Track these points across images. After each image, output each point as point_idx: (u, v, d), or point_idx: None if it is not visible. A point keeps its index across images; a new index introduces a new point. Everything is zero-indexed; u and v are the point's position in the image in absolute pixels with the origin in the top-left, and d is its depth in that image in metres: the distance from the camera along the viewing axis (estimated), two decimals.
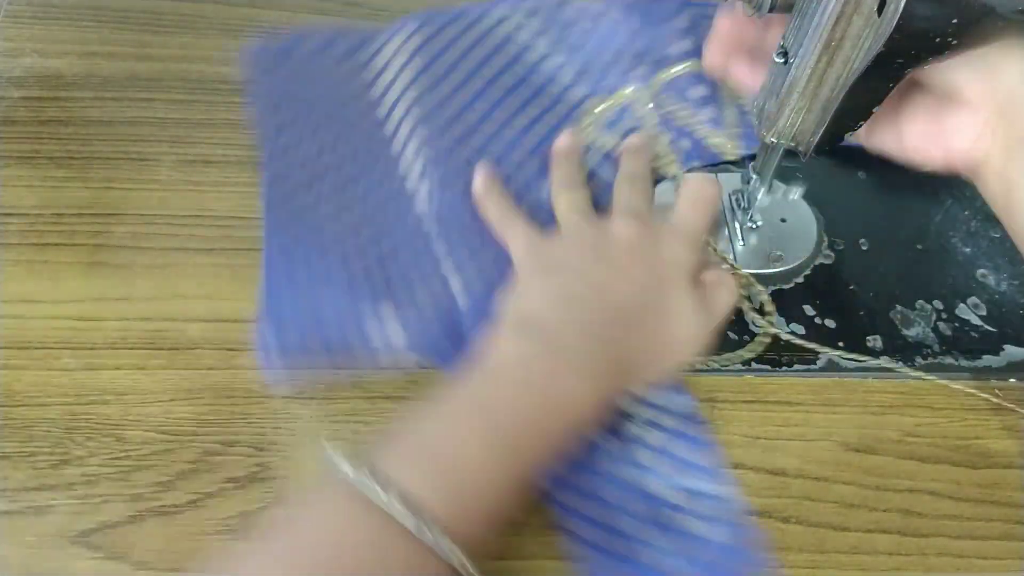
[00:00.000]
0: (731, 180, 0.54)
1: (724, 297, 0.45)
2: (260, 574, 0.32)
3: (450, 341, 0.44)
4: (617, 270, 0.43)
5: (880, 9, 0.37)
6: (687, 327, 0.43)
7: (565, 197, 0.48)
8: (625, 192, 0.48)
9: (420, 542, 0.33)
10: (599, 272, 0.43)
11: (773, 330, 0.47)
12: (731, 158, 0.54)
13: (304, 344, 0.44)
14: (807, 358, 0.47)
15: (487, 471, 0.35)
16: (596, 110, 0.53)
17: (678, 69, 0.55)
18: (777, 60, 0.43)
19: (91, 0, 0.59)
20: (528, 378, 0.38)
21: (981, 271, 0.52)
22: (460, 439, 0.36)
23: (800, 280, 0.51)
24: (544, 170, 0.50)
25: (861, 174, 0.56)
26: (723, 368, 0.46)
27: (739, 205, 0.52)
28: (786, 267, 0.51)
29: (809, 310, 0.50)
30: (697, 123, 0.54)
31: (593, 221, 0.46)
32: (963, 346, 0.48)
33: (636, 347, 0.41)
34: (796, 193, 0.52)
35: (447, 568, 0.33)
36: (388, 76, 0.54)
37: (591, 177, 0.51)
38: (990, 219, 0.54)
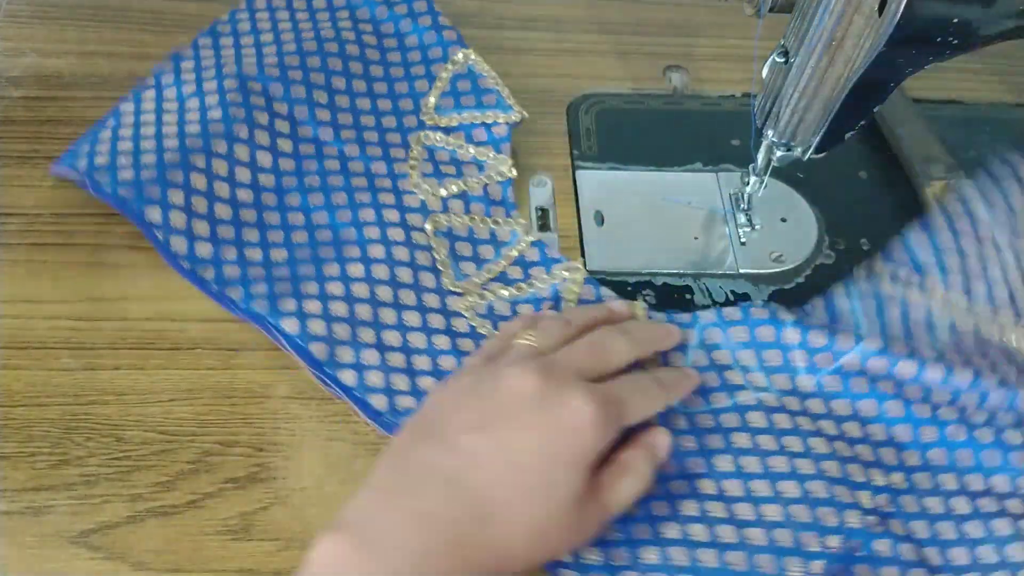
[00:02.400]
0: (731, 180, 0.55)
1: (627, 489, 0.38)
2: None
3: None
4: (491, 440, 0.36)
5: (881, 9, 0.37)
6: (567, 520, 0.36)
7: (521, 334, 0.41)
8: (550, 330, 0.42)
9: None
10: (466, 441, 0.36)
11: None
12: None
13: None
14: None
15: None
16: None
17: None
18: (778, 60, 0.44)
19: (91, 0, 0.59)
20: None
21: None
22: None
23: (801, 280, 0.51)
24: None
25: (862, 174, 0.56)
26: None
27: (739, 206, 0.52)
28: (786, 267, 0.51)
29: None
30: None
31: (494, 369, 0.39)
32: None
33: (498, 537, 0.35)
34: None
35: None
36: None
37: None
38: None
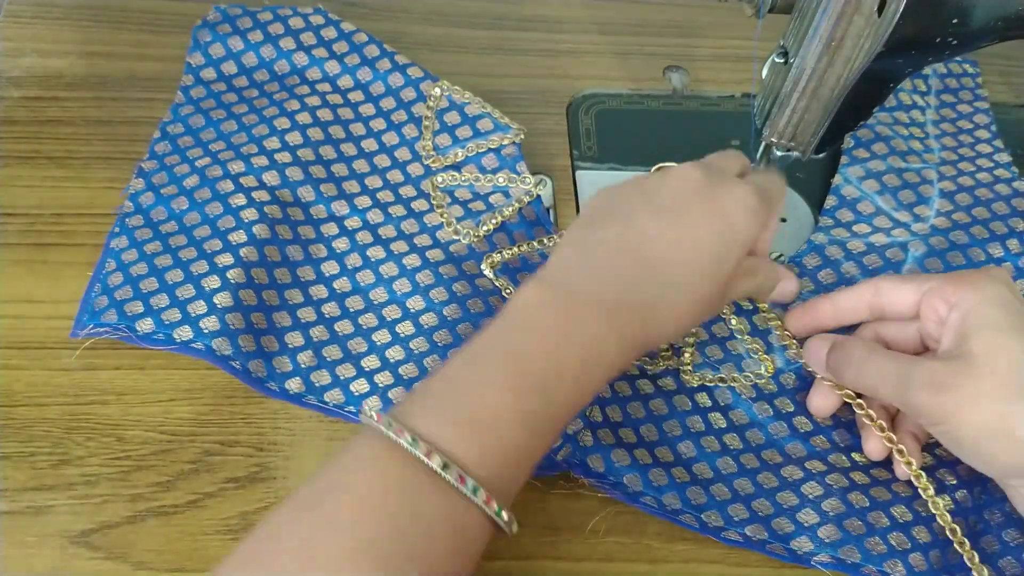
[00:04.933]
0: None
1: (747, 285, 0.44)
2: (310, 535, 0.32)
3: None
4: (664, 220, 0.40)
5: (880, 9, 0.37)
6: (721, 292, 0.41)
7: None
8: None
9: (452, 488, 0.33)
10: (643, 221, 0.40)
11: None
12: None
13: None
14: None
15: (513, 418, 0.35)
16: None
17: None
18: (777, 60, 0.44)
19: (91, 0, 0.59)
20: (545, 321, 0.37)
21: None
22: (485, 387, 0.35)
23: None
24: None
25: None
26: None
27: None
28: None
29: None
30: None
31: (666, 172, 0.43)
32: None
33: (671, 302, 0.40)
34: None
35: (480, 513, 0.33)
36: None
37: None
38: None
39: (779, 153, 0.46)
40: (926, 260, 0.49)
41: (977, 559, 0.40)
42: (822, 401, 0.44)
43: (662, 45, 0.61)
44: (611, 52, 0.61)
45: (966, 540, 0.40)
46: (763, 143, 0.47)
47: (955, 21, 0.37)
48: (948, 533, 0.41)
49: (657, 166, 0.45)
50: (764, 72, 0.45)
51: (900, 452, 0.42)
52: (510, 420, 0.35)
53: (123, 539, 0.40)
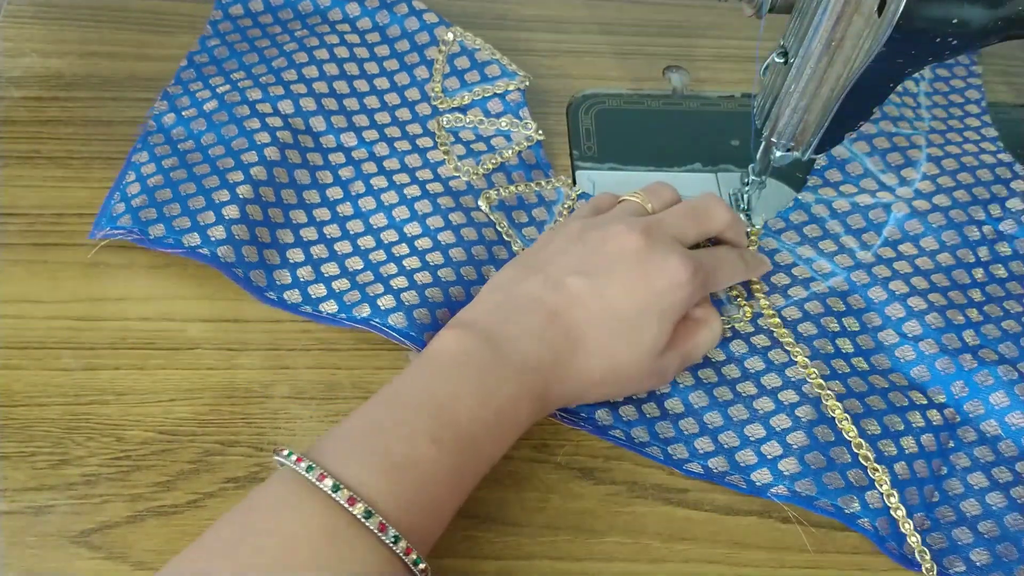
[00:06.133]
0: (731, 180, 0.55)
1: (704, 339, 0.44)
2: (210, 570, 0.32)
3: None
4: (591, 285, 0.41)
5: (880, 9, 0.38)
6: (648, 365, 0.42)
7: (622, 200, 0.47)
8: (659, 193, 0.47)
9: (374, 537, 0.33)
10: (571, 282, 0.41)
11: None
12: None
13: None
14: None
15: (437, 469, 0.35)
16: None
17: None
18: (777, 60, 0.44)
19: (91, 0, 0.59)
20: (468, 375, 0.38)
21: None
22: (409, 433, 0.36)
23: None
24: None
25: None
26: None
27: (739, 206, 0.53)
28: None
29: None
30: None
31: (602, 222, 0.44)
32: None
33: (583, 368, 0.41)
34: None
35: (397, 560, 0.33)
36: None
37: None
38: None
39: (779, 153, 0.46)
40: (906, 222, 0.51)
41: (882, 472, 0.41)
42: None
43: (662, 45, 0.61)
44: (611, 52, 0.61)
45: (870, 454, 0.42)
46: (763, 143, 0.47)
47: (955, 21, 0.37)
48: (845, 433, 0.42)
49: (623, 197, 0.47)
50: (764, 72, 0.45)
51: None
52: (434, 472, 0.35)
53: (123, 539, 0.40)
